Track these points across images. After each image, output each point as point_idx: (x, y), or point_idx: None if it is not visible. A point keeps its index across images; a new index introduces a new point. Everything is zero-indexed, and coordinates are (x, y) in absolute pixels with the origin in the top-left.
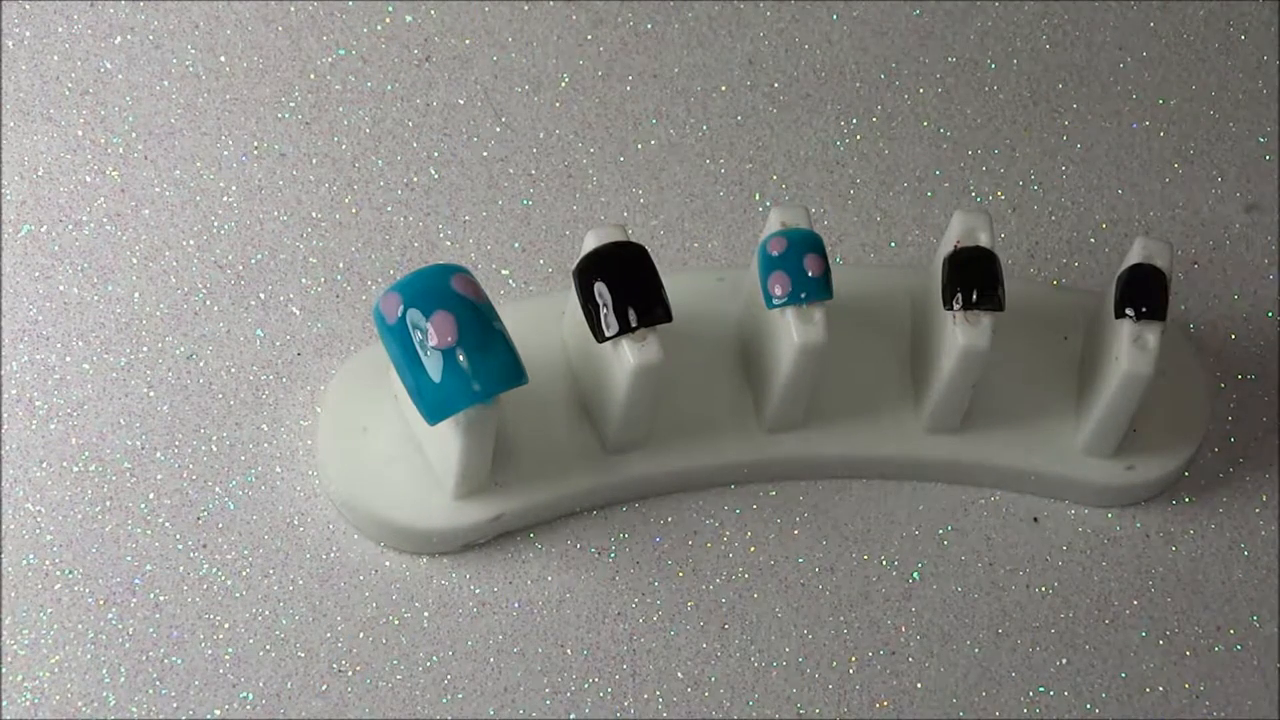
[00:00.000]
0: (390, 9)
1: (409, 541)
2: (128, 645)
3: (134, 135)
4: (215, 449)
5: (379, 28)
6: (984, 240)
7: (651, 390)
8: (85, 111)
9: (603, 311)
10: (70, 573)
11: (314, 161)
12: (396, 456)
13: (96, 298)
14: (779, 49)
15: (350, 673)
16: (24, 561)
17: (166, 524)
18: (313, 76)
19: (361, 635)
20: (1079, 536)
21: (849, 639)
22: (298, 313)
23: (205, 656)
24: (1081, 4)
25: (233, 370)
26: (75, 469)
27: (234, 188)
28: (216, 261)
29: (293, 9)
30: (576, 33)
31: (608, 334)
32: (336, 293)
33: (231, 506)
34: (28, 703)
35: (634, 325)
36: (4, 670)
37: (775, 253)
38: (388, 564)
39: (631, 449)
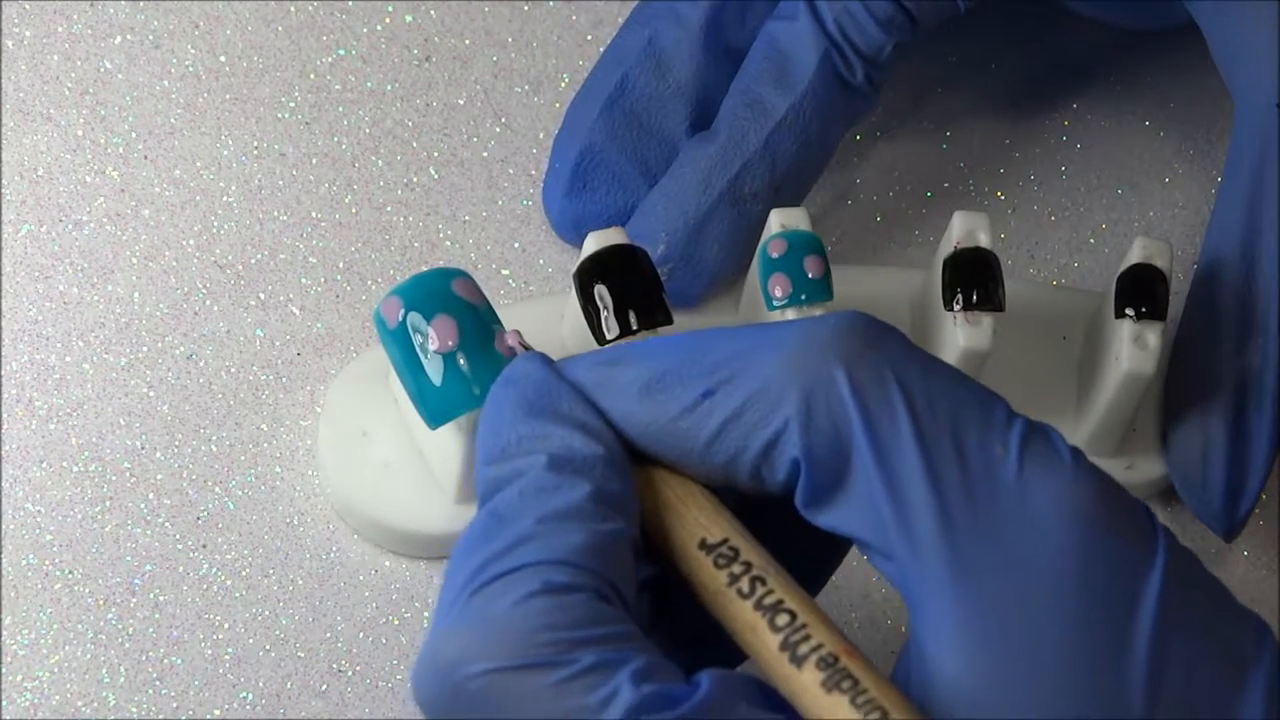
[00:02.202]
0: (390, 9)
1: (410, 546)
2: (128, 645)
3: (134, 135)
4: (215, 449)
5: (379, 28)
6: (984, 241)
7: None
8: (85, 111)
9: (603, 314)
10: (70, 573)
11: (314, 161)
12: (397, 461)
13: (96, 298)
14: None
15: (350, 673)
16: (24, 561)
17: (166, 524)
18: (313, 76)
19: (361, 635)
20: None
21: (849, 639)
22: (298, 313)
23: (205, 656)
24: (1081, 2)
25: (233, 370)
26: (75, 469)
27: (234, 188)
28: (216, 261)
29: (293, 9)
30: (576, 33)
31: (609, 337)
32: (336, 293)
33: (231, 506)
34: (28, 703)
35: (635, 328)
36: (4, 670)
37: (775, 255)
38: (387, 564)
39: None
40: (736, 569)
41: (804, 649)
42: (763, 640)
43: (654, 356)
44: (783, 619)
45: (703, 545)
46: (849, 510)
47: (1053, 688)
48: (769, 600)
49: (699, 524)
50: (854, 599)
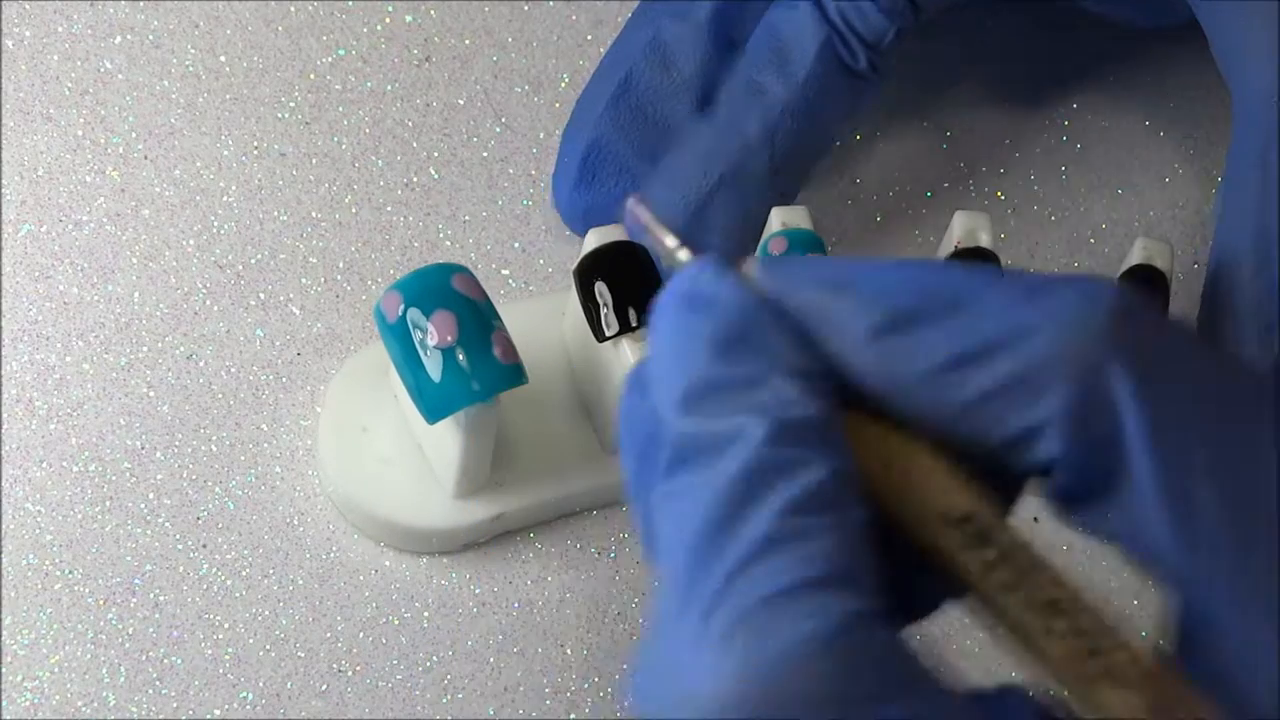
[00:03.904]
0: (390, 9)
1: (409, 541)
2: (128, 645)
3: (134, 135)
4: (215, 449)
5: (379, 28)
6: (984, 240)
7: None
8: (85, 111)
9: (603, 311)
10: (70, 573)
11: (314, 161)
12: (396, 456)
13: (96, 298)
14: None
15: (350, 673)
16: (24, 561)
17: (166, 524)
18: (313, 76)
19: (361, 635)
20: (1080, 536)
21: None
22: (298, 313)
23: (205, 656)
24: (1081, 2)
25: (233, 370)
26: (75, 469)
27: (234, 188)
28: (216, 261)
29: (293, 9)
30: (576, 33)
31: (608, 333)
32: (336, 293)
33: (231, 506)
34: (28, 703)
35: (634, 325)
36: (4, 670)
37: (776, 253)
38: (388, 564)
39: None
40: (990, 554)
41: (1100, 663)
42: (1044, 648)
43: (886, 289)
44: (1060, 624)
45: (946, 520)
46: (1116, 516)
47: None
48: (1040, 598)
49: (942, 493)
50: None
